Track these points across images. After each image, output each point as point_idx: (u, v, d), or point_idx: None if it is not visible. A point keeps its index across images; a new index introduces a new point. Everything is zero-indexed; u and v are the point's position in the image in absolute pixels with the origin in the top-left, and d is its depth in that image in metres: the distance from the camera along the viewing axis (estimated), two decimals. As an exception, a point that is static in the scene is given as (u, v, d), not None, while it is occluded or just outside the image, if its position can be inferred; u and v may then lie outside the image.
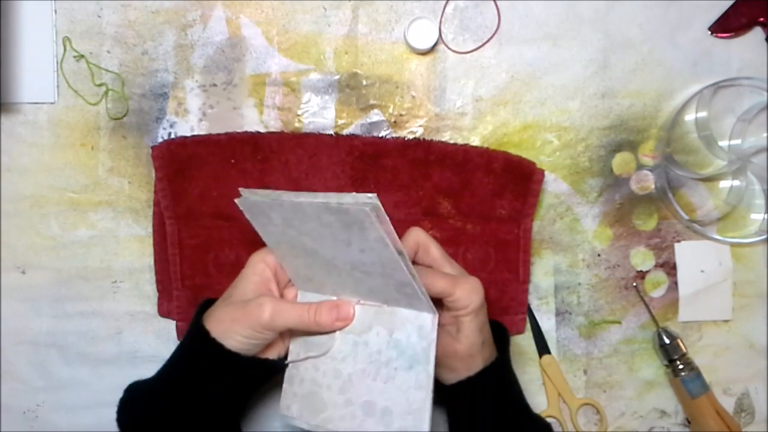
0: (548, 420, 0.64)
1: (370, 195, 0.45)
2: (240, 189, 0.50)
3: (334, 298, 0.53)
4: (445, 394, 0.54)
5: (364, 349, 0.52)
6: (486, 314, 0.52)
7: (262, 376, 0.54)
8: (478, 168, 0.62)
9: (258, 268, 0.51)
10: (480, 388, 0.52)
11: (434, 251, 0.53)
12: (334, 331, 0.52)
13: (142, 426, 0.52)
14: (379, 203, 0.44)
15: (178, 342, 0.62)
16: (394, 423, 0.50)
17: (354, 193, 0.45)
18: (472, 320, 0.50)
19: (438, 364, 0.50)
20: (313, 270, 0.52)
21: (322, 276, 0.52)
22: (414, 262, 0.52)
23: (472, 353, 0.51)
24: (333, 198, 0.46)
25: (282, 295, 0.53)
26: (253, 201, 0.49)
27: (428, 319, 0.50)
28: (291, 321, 0.49)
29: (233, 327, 0.49)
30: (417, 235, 0.53)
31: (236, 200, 0.49)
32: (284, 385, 0.55)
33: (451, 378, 0.52)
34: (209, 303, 0.53)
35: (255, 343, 0.50)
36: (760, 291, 0.66)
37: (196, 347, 0.51)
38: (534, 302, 0.65)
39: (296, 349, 0.54)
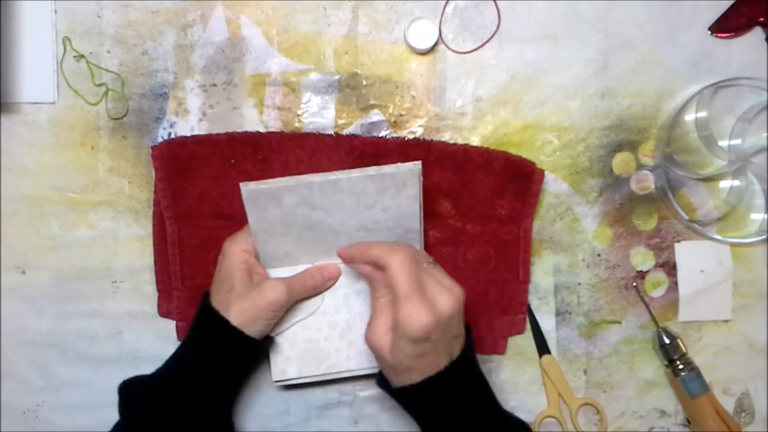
0: (548, 420, 0.64)
1: (415, 162, 0.53)
2: (242, 183, 0.52)
3: (310, 265, 0.59)
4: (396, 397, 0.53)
5: (356, 297, 0.59)
6: (431, 351, 0.49)
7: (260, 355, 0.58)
8: (478, 168, 0.62)
9: (242, 257, 0.55)
10: (428, 396, 0.51)
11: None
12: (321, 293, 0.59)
13: (150, 416, 0.53)
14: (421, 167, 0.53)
15: (179, 342, 0.63)
16: None
17: (397, 164, 0.53)
18: (406, 345, 0.48)
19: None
20: (300, 243, 0.57)
21: (309, 246, 0.57)
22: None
23: (393, 365, 0.49)
24: (370, 171, 0.53)
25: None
26: (262, 189, 0.53)
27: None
28: (299, 292, 0.56)
29: (258, 314, 0.53)
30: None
31: (242, 185, 0.52)
32: (271, 356, 0.59)
33: (393, 380, 0.51)
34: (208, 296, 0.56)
35: (271, 323, 0.55)
36: (760, 291, 0.66)
37: (218, 338, 0.53)
38: (534, 302, 0.65)
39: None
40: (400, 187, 0.54)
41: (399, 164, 0.53)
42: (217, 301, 0.54)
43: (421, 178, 0.54)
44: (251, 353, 0.55)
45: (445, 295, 0.49)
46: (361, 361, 0.59)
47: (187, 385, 0.54)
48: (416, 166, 0.53)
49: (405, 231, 0.57)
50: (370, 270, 0.52)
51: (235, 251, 0.55)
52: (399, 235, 0.58)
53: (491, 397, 0.54)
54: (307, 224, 0.56)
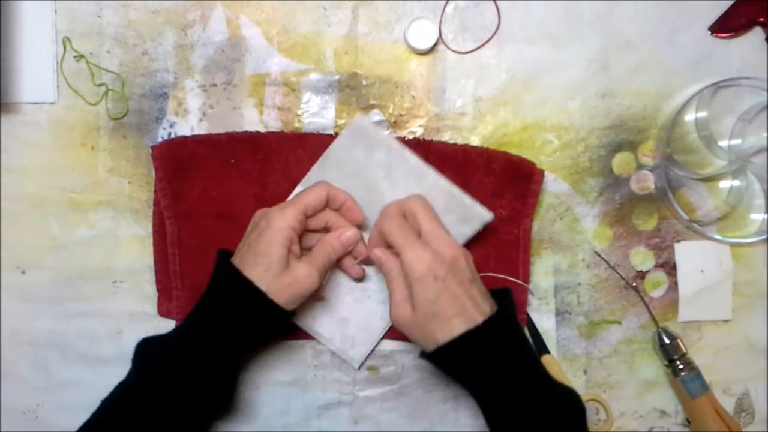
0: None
1: (490, 212, 0.58)
2: (359, 114, 0.61)
3: None
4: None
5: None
6: (446, 291, 0.51)
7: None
8: (478, 168, 0.62)
9: (287, 234, 0.54)
10: (464, 354, 0.52)
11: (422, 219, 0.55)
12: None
13: (160, 372, 0.54)
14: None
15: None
16: (348, 330, 0.62)
17: (477, 203, 0.58)
18: (419, 289, 0.51)
19: (398, 328, 0.54)
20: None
21: None
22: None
23: (423, 324, 0.52)
24: (456, 189, 0.58)
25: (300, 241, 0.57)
26: (371, 131, 0.59)
27: None
28: (326, 268, 0.57)
29: (291, 299, 0.54)
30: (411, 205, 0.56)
31: (358, 115, 0.60)
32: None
33: (418, 345, 0.54)
34: (227, 254, 0.56)
35: (301, 302, 0.56)
36: (760, 291, 0.66)
37: (252, 310, 0.53)
38: (534, 302, 0.65)
39: None
40: (462, 221, 0.58)
41: (478, 204, 0.58)
42: (252, 275, 0.53)
43: (482, 229, 0.59)
44: (282, 324, 0.56)
45: (443, 242, 0.53)
46: (307, 318, 0.61)
47: (208, 349, 0.54)
48: (489, 215, 0.58)
49: None
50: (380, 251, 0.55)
51: (282, 226, 0.53)
52: None
53: (535, 361, 0.55)
54: (369, 185, 0.59)
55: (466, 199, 0.58)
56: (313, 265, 0.54)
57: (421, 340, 0.53)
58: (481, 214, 0.58)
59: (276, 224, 0.53)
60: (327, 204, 0.57)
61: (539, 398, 0.52)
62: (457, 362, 0.52)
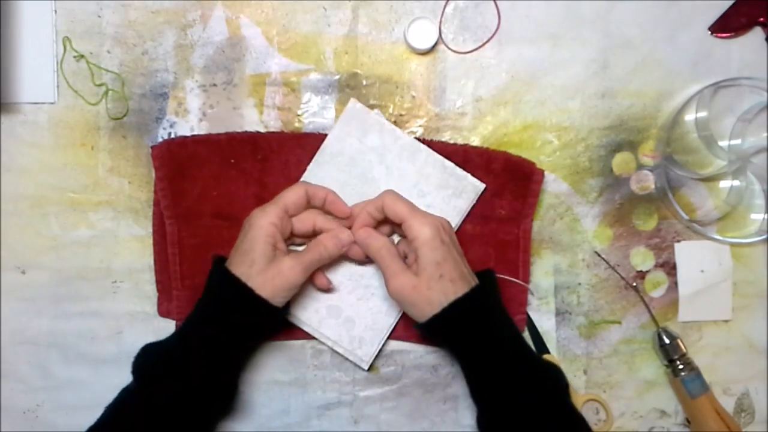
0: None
1: (482, 183, 0.61)
2: (352, 98, 0.61)
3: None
4: (422, 334, 0.59)
5: (347, 268, 0.62)
6: (450, 255, 0.54)
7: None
8: (478, 168, 0.62)
9: (269, 231, 0.55)
10: (451, 322, 0.54)
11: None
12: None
13: (163, 379, 0.54)
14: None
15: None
16: (354, 330, 0.61)
17: (468, 174, 0.61)
18: (427, 252, 0.53)
19: (398, 299, 0.55)
20: (342, 189, 0.60)
21: (346, 199, 0.59)
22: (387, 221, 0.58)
23: (429, 286, 0.53)
24: (448, 162, 0.61)
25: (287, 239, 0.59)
26: (365, 112, 0.61)
27: None
28: (315, 266, 0.57)
29: (277, 292, 0.55)
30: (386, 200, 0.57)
31: (352, 99, 0.61)
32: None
33: (416, 315, 0.55)
34: (222, 260, 0.57)
35: (289, 297, 0.57)
36: (760, 291, 0.66)
37: (241, 307, 0.55)
38: (534, 302, 0.65)
39: None
40: (456, 194, 0.61)
41: (470, 175, 0.61)
42: (239, 272, 0.54)
43: (476, 202, 0.61)
44: (272, 321, 0.57)
45: (439, 217, 0.56)
46: (313, 321, 0.61)
47: (204, 349, 0.55)
48: (482, 185, 0.61)
49: None
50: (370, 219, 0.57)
51: (263, 224, 0.55)
52: None
53: (519, 335, 0.58)
54: (363, 173, 0.61)
55: (458, 170, 0.61)
56: (298, 260, 0.56)
57: (422, 305, 0.54)
58: (474, 185, 0.61)
59: (257, 223, 0.55)
60: (309, 202, 0.58)
61: (530, 365, 0.55)
62: (456, 324, 0.54)
